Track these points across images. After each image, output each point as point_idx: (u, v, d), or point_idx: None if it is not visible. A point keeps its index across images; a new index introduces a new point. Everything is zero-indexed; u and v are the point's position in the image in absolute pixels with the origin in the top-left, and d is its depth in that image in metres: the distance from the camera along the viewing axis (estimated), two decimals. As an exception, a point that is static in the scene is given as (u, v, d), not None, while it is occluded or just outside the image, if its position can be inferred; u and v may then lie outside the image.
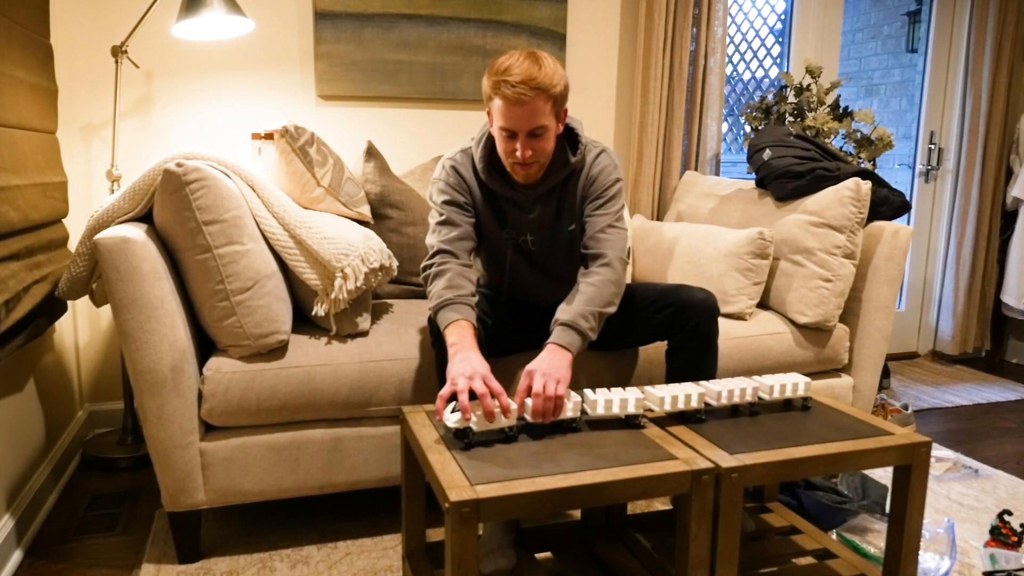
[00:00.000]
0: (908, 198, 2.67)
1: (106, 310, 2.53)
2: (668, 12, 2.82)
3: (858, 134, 2.86)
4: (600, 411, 1.46)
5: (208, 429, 1.77)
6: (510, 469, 1.26)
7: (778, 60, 3.43)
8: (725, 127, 3.48)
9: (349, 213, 2.09)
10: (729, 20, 3.01)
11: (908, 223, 3.68)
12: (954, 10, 3.52)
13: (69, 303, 2.42)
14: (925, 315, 3.76)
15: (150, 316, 1.63)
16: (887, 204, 2.35)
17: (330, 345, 1.84)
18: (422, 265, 1.73)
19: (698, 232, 2.38)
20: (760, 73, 3.46)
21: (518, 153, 1.63)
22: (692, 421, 1.52)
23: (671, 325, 1.77)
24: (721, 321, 2.14)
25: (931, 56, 3.55)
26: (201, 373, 1.73)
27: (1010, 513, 1.92)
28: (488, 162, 1.76)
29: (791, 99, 2.96)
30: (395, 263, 2.00)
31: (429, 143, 2.79)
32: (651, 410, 1.54)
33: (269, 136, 2.28)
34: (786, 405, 1.63)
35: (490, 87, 1.61)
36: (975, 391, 3.24)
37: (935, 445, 2.59)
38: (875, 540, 1.90)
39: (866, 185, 2.17)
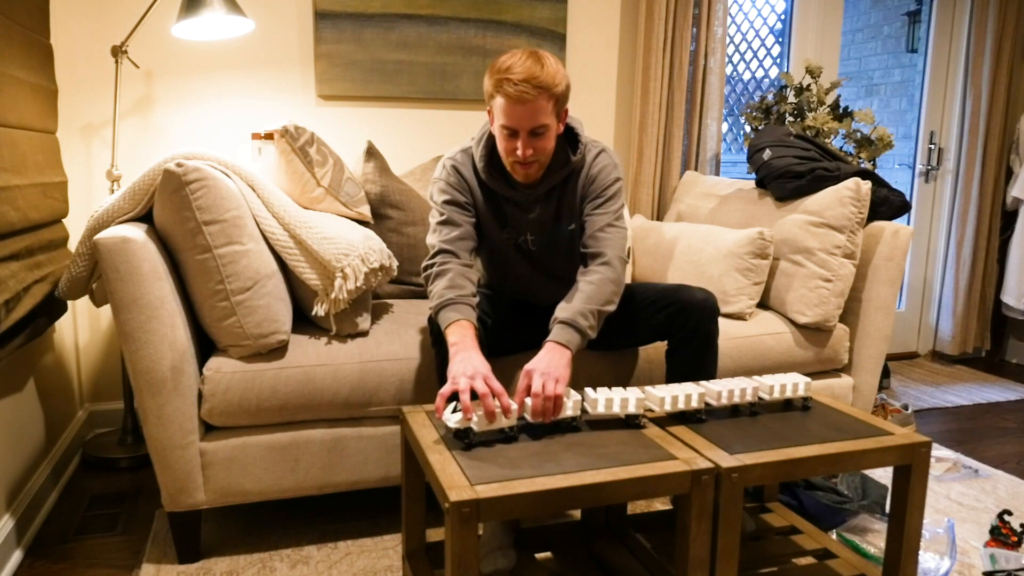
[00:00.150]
0: (908, 198, 2.67)
1: (106, 310, 2.53)
2: (668, 12, 2.82)
3: (858, 134, 2.86)
4: (600, 410, 1.46)
5: (208, 429, 1.77)
6: (510, 469, 1.26)
7: (778, 60, 3.43)
8: (725, 127, 3.48)
9: (349, 213, 2.09)
10: (729, 20, 3.01)
11: (908, 223, 3.68)
12: (954, 10, 3.52)
13: (69, 303, 2.42)
14: (925, 315, 3.76)
15: (150, 316, 1.63)
16: (887, 204, 2.35)
17: (330, 345, 1.84)
18: (423, 265, 1.73)
19: (698, 232, 2.38)
20: (760, 73, 3.46)
21: (519, 152, 1.63)
22: (692, 421, 1.52)
23: (671, 325, 1.77)
24: (721, 321, 2.14)
25: (931, 56, 3.55)
26: (201, 373, 1.73)
27: (1010, 513, 1.92)
28: (488, 161, 1.76)
29: (791, 99, 2.96)
30: (395, 263, 2.00)
31: (429, 143, 2.79)
32: (651, 410, 1.54)
33: (269, 136, 2.28)
34: (786, 405, 1.63)
35: (492, 85, 1.61)
36: (975, 391, 3.24)
37: (935, 445, 2.59)
38: (875, 540, 1.90)
39: (866, 185, 2.17)
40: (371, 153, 2.36)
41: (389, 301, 2.31)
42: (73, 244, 2.40)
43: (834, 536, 1.90)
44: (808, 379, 1.62)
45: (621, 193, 1.79)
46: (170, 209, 1.67)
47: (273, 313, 1.75)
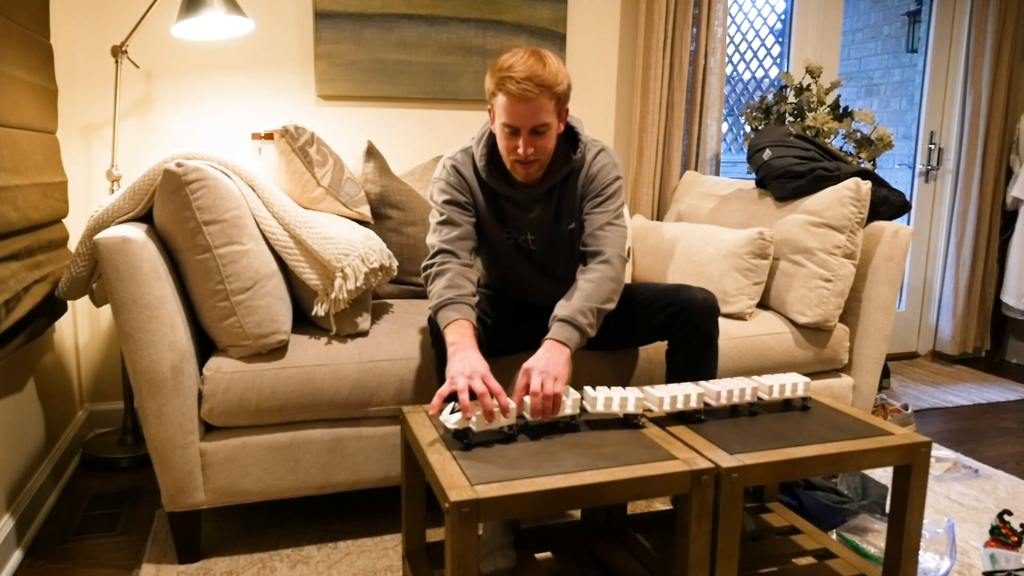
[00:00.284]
0: (908, 198, 2.67)
1: (106, 310, 2.53)
2: (668, 12, 2.82)
3: (858, 134, 2.86)
4: (599, 409, 1.46)
5: (208, 429, 1.77)
6: (510, 469, 1.26)
7: (778, 60, 3.43)
8: (725, 127, 3.48)
9: (349, 213, 2.09)
10: (729, 20, 3.01)
11: (908, 223, 3.68)
12: (954, 10, 3.52)
13: (69, 303, 2.42)
14: (925, 315, 3.76)
15: (150, 316, 1.63)
16: (887, 204, 2.35)
17: (330, 345, 1.84)
18: (423, 265, 1.73)
19: (698, 232, 2.38)
20: (760, 73, 3.46)
21: (520, 150, 1.63)
22: (692, 421, 1.52)
23: (671, 325, 1.77)
24: (721, 321, 2.14)
25: (931, 56, 3.55)
26: (201, 373, 1.73)
27: (1010, 513, 1.92)
28: (489, 161, 1.76)
29: (791, 99, 2.96)
30: (395, 263, 2.00)
31: (429, 143, 2.79)
32: (650, 410, 1.54)
33: (269, 136, 2.28)
34: (786, 405, 1.63)
35: (494, 83, 1.61)
36: (975, 391, 3.24)
37: (935, 445, 2.59)
38: (875, 540, 1.90)
39: (866, 185, 2.17)
40: (371, 153, 2.36)
41: (389, 301, 2.31)
42: (73, 244, 2.40)
43: (834, 536, 1.90)
44: (807, 379, 1.62)
45: (621, 192, 1.79)
46: (170, 209, 1.67)
47: (273, 313, 1.76)
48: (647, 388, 1.54)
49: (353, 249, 1.84)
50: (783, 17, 3.37)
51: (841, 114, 2.88)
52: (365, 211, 2.16)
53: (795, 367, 2.19)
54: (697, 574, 1.31)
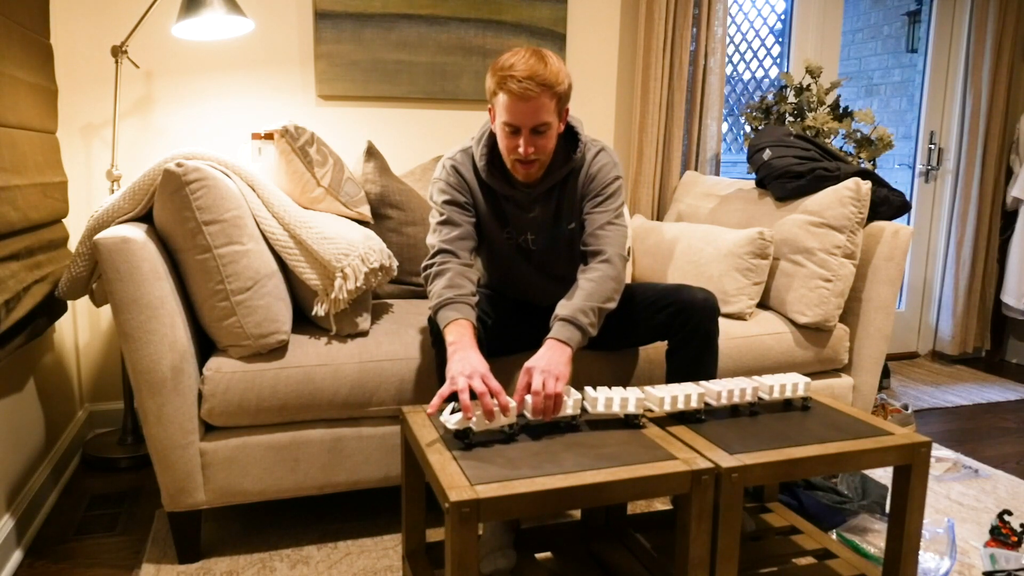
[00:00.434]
0: (908, 198, 2.67)
1: (106, 310, 2.53)
2: (668, 12, 2.82)
3: (858, 134, 2.86)
4: (600, 409, 1.46)
5: (208, 429, 1.77)
6: (510, 469, 1.26)
7: (778, 60, 3.43)
8: (725, 127, 3.48)
9: (349, 213, 2.09)
10: (729, 20, 3.01)
11: (908, 223, 3.68)
12: (954, 10, 3.52)
13: (69, 303, 2.42)
14: (925, 315, 3.76)
15: (150, 316, 1.63)
16: (887, 204, 2.35)
17: (330, 345, 1.84)
18: (423, 265, 1.73)
19: (698, 232, 2.38)
20: (760, 73, 3.46)
21: (520, 149, 1.63)
22: (692, 421, 1.51)
23: (671, 325, 1.77)
24: (721, 321, 2.14)
25: (931, 56, 3.55)
26: (201, 373, 1.73)
27: (1010, 513, 1.92)
28: (489, 160, 1.76)
29: (791, 99, 2.96)
30: (395, 263, 2.00)
31: (429, 143, 2.79)
32: (651, 410, 1.54)
33: (269, 136, 2.28)
34: (786, 405, 1.63)
35: (495, 83, 1.61)
36: (975, 391, 3.24)
37: (935, 445, 2.59)
38: (875, 540, 1.90)
39: (866, 185, 2.17)
40: (371, 153, 2.36)
41: (389, 301, 2.31)
42: (73, 244, 2.40)
43: (834, 536, 1.90)
44: (808, 379, 1.62)
45: (621, 191, 1.79)
46: (170, 209, 1.67)
47: (273, 313, 1.76)
48: (647, 388, 1.54)
49: (353, 249, 1.84)
50: (783, 17, 3.37)
51: (841, 114, 2.88)
52: (365, 211, 2.16)
53: (795, 367, 2.19)
54: (697, 574, 1.31)
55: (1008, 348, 3.77)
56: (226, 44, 2.52)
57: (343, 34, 2.60)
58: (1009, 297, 3.51)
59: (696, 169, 3.01)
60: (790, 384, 1.60)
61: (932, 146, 3.62)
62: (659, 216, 2.99)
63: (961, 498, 2.18)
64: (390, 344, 1.87)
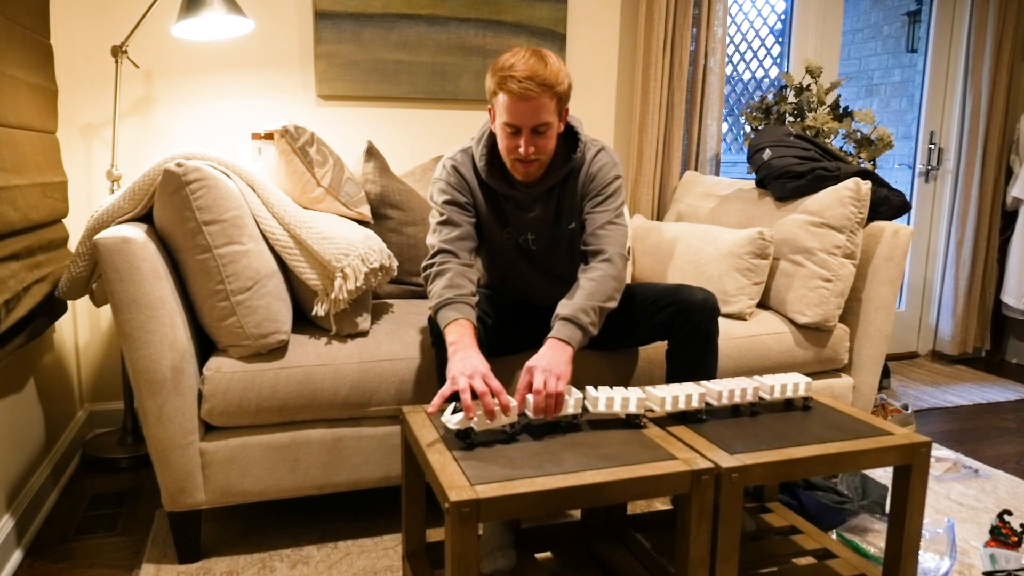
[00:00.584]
0: (908, 198, 2.67)
1: (106, 310, 2.53)
2: (668, 12, 2.82)
3: (858, 134, 2.86)
4: (601, 409, 1.46)
5: (208, 429, 1.77)
6: (510, 469, 1.26)
7: (778, 60, 3.43)
8: (725, 127, 3.48)
9: (349, 213, 2.09)
10: (729, 20, 3.01)
11: (908, 223, 3.68)
12: (954, 10, 3.52)
13: (69, 303, 2.42)
14: (925, 315, 3.76)
15: (150, 316, 1.63)
16: (887, 204, 2.35)
17: (330, 345, 1.84)
18: (423, 265, 1.73)
19: (698, 232, 2.38)
20: (760, 73, 3.46)
21: (521, 149, 1.63)
22: (693, 421, 1.51)
23: (671, 325, 1.77)
24: (721, 321, 2.14)
25: (931, 56, 3.55)
26: (201, 373, 1.73)
27: (1010, 513, 1.92)
28: (489, 160, 1.76)
29: (791, 99, 2.96)
30: (395, 263, 2.00)
31: (429, 143, 2.79)
32: (651, 410, 1.54)
33: (269, 136, 2.28)
34: (787, 405, 1.63)
35: (495, 83, 1.61)
36: (975, 391, 3.24)
37: (935, 445, 2.59)
38: (875, 540, 1.90)
39: (866, 185, 2.17)
40: (371, 153, 2.36)
41: (389, 301, 2.31)
42: (73, 244, 2.40)
43: (834, 536, 1.90)
44: (809, 379, 1.62)
45: (621, 191, 1.79)
46: (170, 209, 1.67)
47: (273, 313, 1.75)
48: (648, 388, 1.54)
49: (353, 249, 1.84)
50: (783, 17, 3.37)
51: (841, 114, 2.88)
52: (365, 211, 2.16)
53: (795, 367, 2.19)
54: (697, 574, 1.31)
55: (1008, 348, 3.77)
56: (226, 44, 2.52)
57: (343, 34, 2.60)
58: (1009, 297, 3.51)
59: (696, 169, 3.01)
60: (791, 384, 1.60)
61: (932, 146, 3.62)
62: (659, 216, 2.99)
63: (961, 498, 2.18)
64: (390, 344, 1.87)
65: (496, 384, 1.40)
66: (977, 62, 3.40)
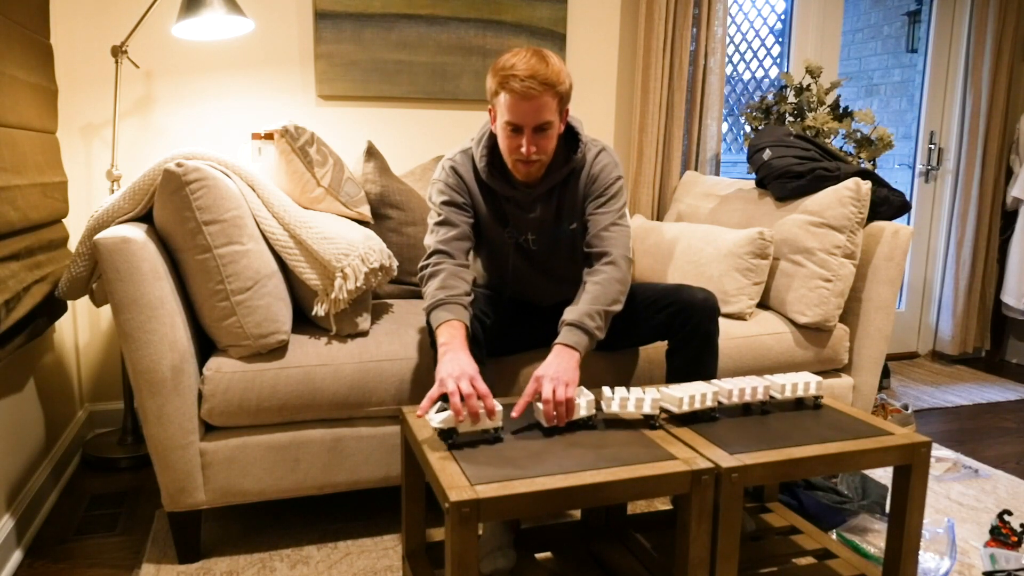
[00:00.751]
0: (908, 198, 2.67)
1: (106, 310, 2.53)
2: (668, 12, 2.82)
3: (858, 134, 2.86)
4: (615, 410, 1.46)
5: (208, 429, 1.77)
6: (510, 469, 1.26)
7: (778, 60, 3.43)
8: (725, 127, 3.48)
9: (349, 213, 2.09)
10: (729, 20, 3.01)
11: (908, 223, 3.68)
12: (954, 10, 3.52)
13: (69, 303, 2.42)
14: (925, 315, 3.76)
15: (150, 316, 1.63)
16: (887, 204, 2.35)
17: (330, 345, 1.84)
18: (419, 265, 1.73)
19: (698, 232, 2.38)
20: (760, 73, 3.46)
21: (523, 149, 1.63)
22: (705, 420, 1.51)
23: (671, 325, 1.77)
24: (721, 321, 2.14)
25: (931, 56, 3.55)
26: (201, 373, 1.73)
27: (1010, 513, 1.92)
28: (489, 161, 1.76)
29: (791, 99, 2.96)
30: (395, 263, 2.00)
31: (429, 143, 2.79)
32: (666, 410, 1.53)
33: (269, 136, 2.28)
34: (797, 404, 1.63)
35: (496, 82, 1.61)
36: (975, 391, 3.24)
37: (935, 445, 2.59)
38: (875, 540, 1.90)
39: (866, 185, 2.17)
40: (371, 153, 2.36)
41: (389, 301, 2.31)
42: (73, 244, 2.40)
43: (834, 536, 1.90)
44: (819, 378, 1.62)
45: (623, 191, 1.79)
46: (170, 209, 1.67)
47: (273, 313, 1.75)
48: (663, 388, 1.53)
49: (353, 249, 1.84)
50: (783, 17, 3.37)
51: (841, 114, 2.88)
52: (365, 211, 2.16)
53: (795, 367, 2.19)
54: (697, 574, 1.31)
55: (1008, 348, 3.77)
56: (226, 44, 2.52)
57: (343, 34, 2.60)
58: (1009, 297, 3.51)
59: (696, 169, 3.01)
60: (802, 383, 1.60)
61: (932, 146, 3.62)
62: (659, 216, 2.99)
63: (961, 498, 2.18)
64: (390, 344, 1.87)
65: (483, 387, 1.40)
66: (977, 62, 3.40)
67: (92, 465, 2.32)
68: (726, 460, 1.32)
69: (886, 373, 3.20)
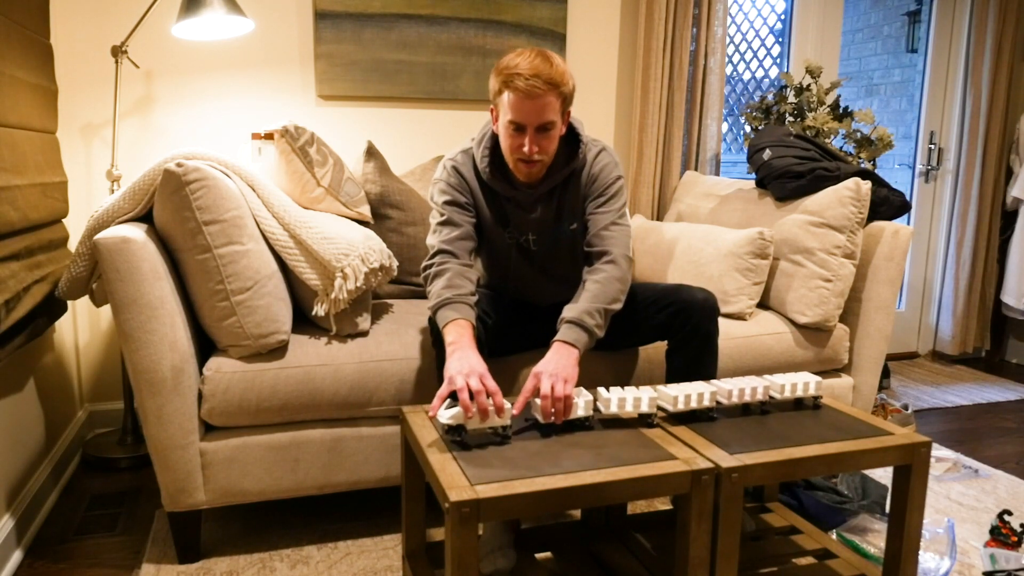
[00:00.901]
0: (908, 198, 2.67)
1: (106, 310, 2.53)
2: (668, 12, 2.82)
3: (858, 134, 2.86)
4: (613, 409, 1.46)
5: (208, 429, 1.77)
6: (510, 469, 1.26)
7: (778, 60, 3.43)
8: (725, 127, 3.48)
9: (349, 213, 2.09)
10: (729, 20, 3.01)
11: (908, 223, 3.68)
12: (954, 10, 3.52)
13: (69, 303, 2.42)
14: (925, 315, 3.76)
15: (150, 316, 1.63)
16: (887, 204, 2.35)
17: (330, 345, 1.84)
18: (422, 265, 1.73)
19: (698, 232, 2.38)
20: (760, 73, 3.46)
21: (525, 148, 1.64)
22: (703, 420, 1.51)
23: (671, 325, 1.77)
24: (721, 321, 2.13)
25: (931, 56, 3.55)
26: (201, 373, 1.73)
27: (1010, 513, 1.92)
28: (490, 161, 1.76)
29: (791, 99, 2.96)
30: (395, 263, 2.00)
31: (429, 143, 2.79)
32: (663, 410, 1.53)
33: (269, 136, 2.28)
34: (797, 404, 1.63)
35: (500, 82, 1.61)
36: (975, 391, 3.24)
37: (935, 445, 2.59)
38: (875, 540, 1.90)
39: (866, 185, 2.17)
40: (371, 153, 2.36)
41: (389, 301, 2.31)
42: (73, 244, 2.40)
43: (834, 536, 1.90)
44: (819, 378, 1.62)
45: (623, 191, 1.79)
46: (170, 209, 1.67)
47: (273, 313, 1.75)
48: (660, 387, 1.54)
49: (353, 249, 1.84)
50: (783, 17, 3.37)
51: (841, 114, 2.88)
52: (365, 211, 2.16)
53: (795, 367, 2.19)
54: (697, 574, 1.31)
55: (1008, 348, 3.77)
56: (226, 44, 2.52)
57: (343, 34, 2.60)
58: (1009, 297, 3.51)
59: (696, 169, 3.01)
60: (801, 383, 1.60)
61: (932, 146, 3.62)
62: (659, 216, 2.99)
63: (961, 498, 2.18)
64: (390, 344, 1.87)
65: (492, 384, 1.40)
66: (977, 62, 3.40)
67: (92, 465, 2.32)
68: (726, 460, 1.32)
69: (886, 373, 3.20)
